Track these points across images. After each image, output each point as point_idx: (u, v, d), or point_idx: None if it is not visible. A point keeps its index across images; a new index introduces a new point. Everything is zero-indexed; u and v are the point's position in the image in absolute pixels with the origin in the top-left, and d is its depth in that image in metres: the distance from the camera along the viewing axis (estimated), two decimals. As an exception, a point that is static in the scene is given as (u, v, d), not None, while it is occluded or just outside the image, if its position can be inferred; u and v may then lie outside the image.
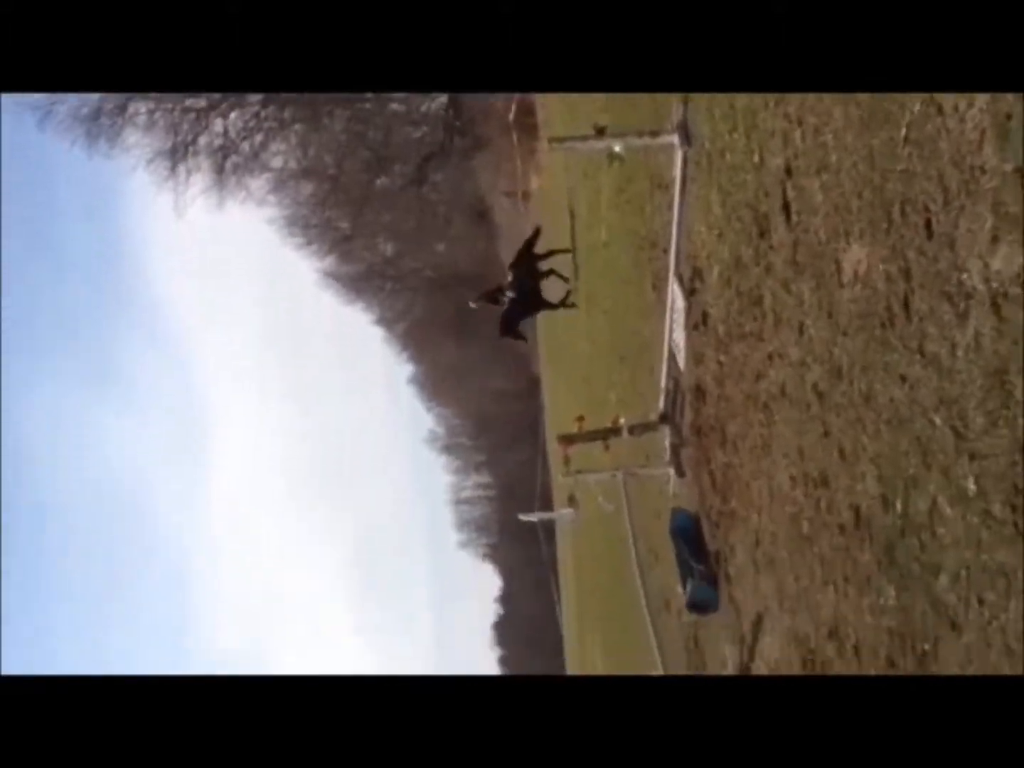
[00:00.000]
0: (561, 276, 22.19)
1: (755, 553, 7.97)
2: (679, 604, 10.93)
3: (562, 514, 16.65)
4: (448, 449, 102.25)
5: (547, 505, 34.78)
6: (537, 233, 22.71)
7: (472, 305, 22.81)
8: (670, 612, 12.16)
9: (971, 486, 4.24)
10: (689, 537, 10.15)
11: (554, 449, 20.87)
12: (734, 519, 8.69)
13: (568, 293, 22.16)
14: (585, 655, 35.38)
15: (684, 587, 10.14)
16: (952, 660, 4.50)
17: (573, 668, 48.95)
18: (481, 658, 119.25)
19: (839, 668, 6.02)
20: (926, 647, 4.77)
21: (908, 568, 4.94)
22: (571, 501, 14.35)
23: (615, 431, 12.54)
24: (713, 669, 9.79)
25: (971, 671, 4.32)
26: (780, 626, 7.37)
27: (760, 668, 8.02)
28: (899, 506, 5.02)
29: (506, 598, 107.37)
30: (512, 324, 21.50)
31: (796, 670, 6.93)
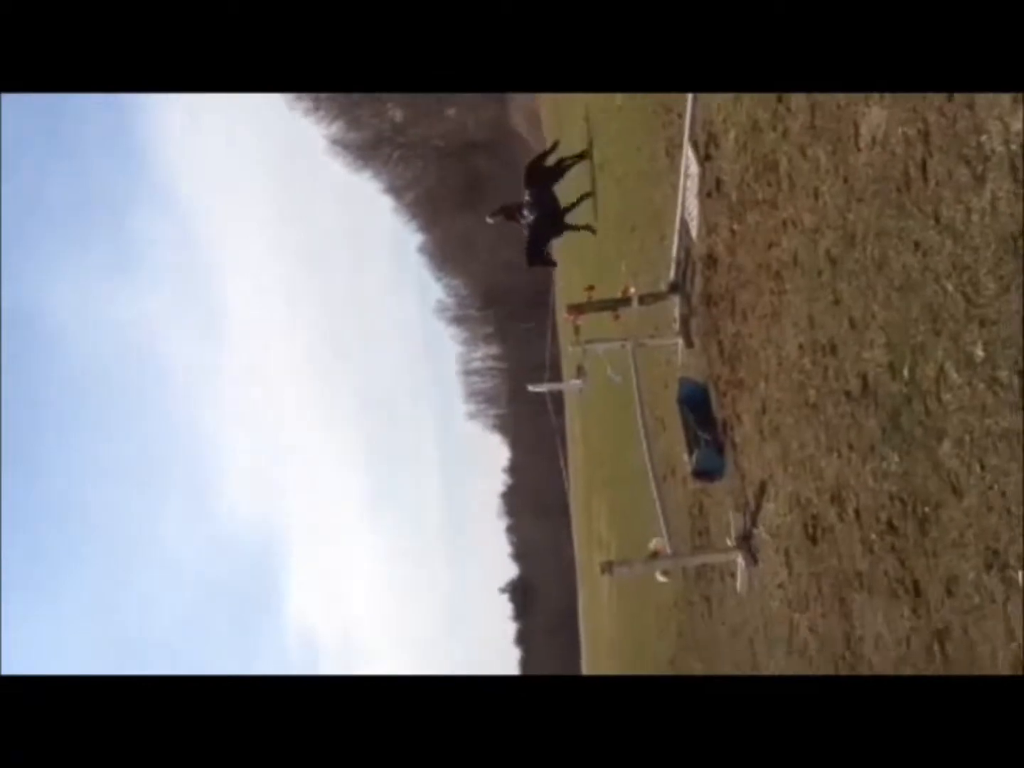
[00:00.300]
0: (577, 157, 21.15)
1: (761, 421, 8.03)
2: (684, 472, 11.07)
3: (571, 384, 16.71)
4: (457, 320, 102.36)
5: (556, 376, 34.91)
6: (553, 148, 21.60)
7: (489, 220, 21.85)
8: (675, 479, 12.31)
9: (979, 352, 4.25)
10: (696, 406, 10.21)
11: (563, 319, 20.77)
12: (741, 388, 8.73)
13: (587, 226, 21.07)
14: (592, 522, 36.06)
15: (690, 455, 10.26)
16: (952, 524, 4.58)
17: (579, 533, 49.92)
18: (488, 527, 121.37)
19: (840, 532, 6.13)
20: (927, 510, 4.85)
21: (912, 434, 4.98)
22: (579, 371, 14.41)
23: (625, 300, 12.49)
24: (716, 533, 9.98)
25: (970, 535, 4.39)
26: (783, 492, 7.48)
27: (762, 534, 8.17)
28: (906, 373, 5.03)
29: (514, 468, 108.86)
30: (539, 250, 20.46)
31: (797, 534, 7.06)
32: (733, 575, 9.08)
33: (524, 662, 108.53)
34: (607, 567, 10.79)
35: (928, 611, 4.84)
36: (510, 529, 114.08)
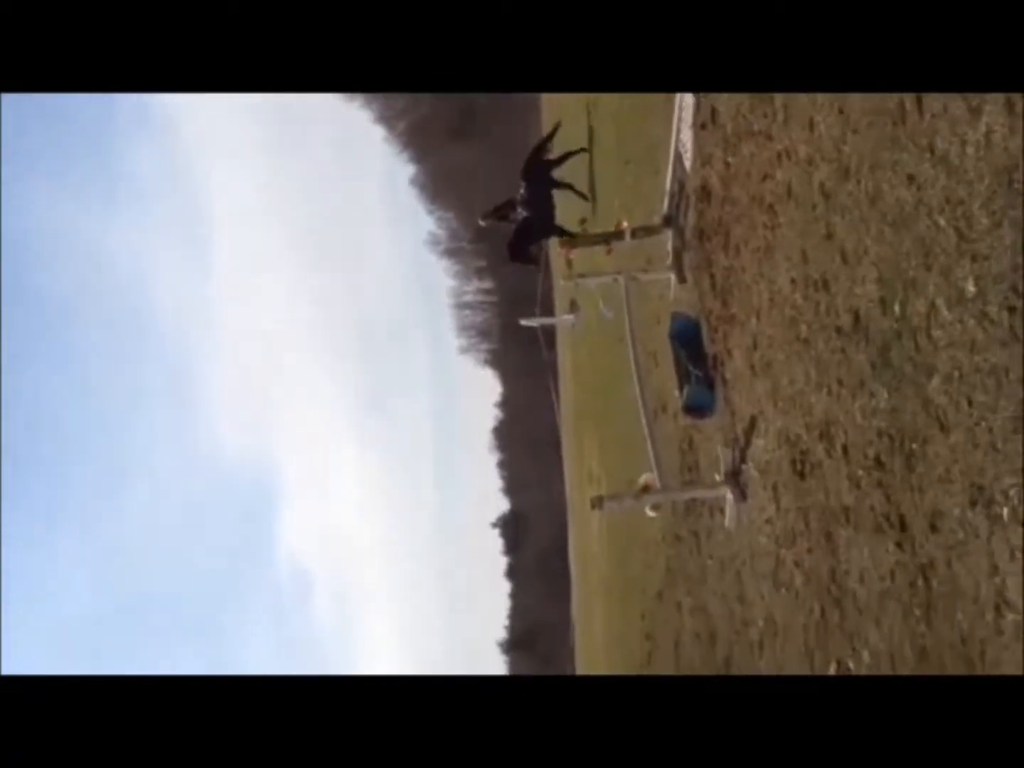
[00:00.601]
0: (580, 194, 19.82)
1: (752, 357, 8.02)
2: (675, 407, 11.08)
3: (563, 319, 16.67)
4: (449, 253, 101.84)
5: (548, 310, 34.79)
6: (553, 133, 20.35)
7: (481, 223, 20.53)
8: (666, 415, 12.33)
9: (970, 288, 4.21)
10: (688, 341, 10.18)
11: (556, 253, 20.46)
12: (733, 323, 8.70)
13: (582, 221, 19.26)
14: (583, 457, 36.23)
15: (681, 391, 10.25)
16: (938, 460, 4.58)
17: (570, 468, 50.20)
18: (480, 461, 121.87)
19: (828, 468, 6.15)
20: (914, 447, 4.85)
21: (902, 370, 4.97)
22: (572, 306, 14.36)
23: (618, 235, 12.41)
24: (705, 468, 10.02)
25: (956, 471, 4.40)
26: (772, 428, 7.48)
27: (750, 470, 8.20)
28: (897, 308, 5.00)
29: (506, 403, 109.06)
30: (523, 247, 19.19)
31: (785, 470, 7.08)
32: (722, 510, 9.13)
33: (514, 595, 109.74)
34: (597, 502, 10.83)
35: (913, 546, 4.87)
36: (501, 464, 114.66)
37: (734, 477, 8.68)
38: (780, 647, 7.20)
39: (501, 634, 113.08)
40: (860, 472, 5.59)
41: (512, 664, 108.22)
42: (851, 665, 5.69)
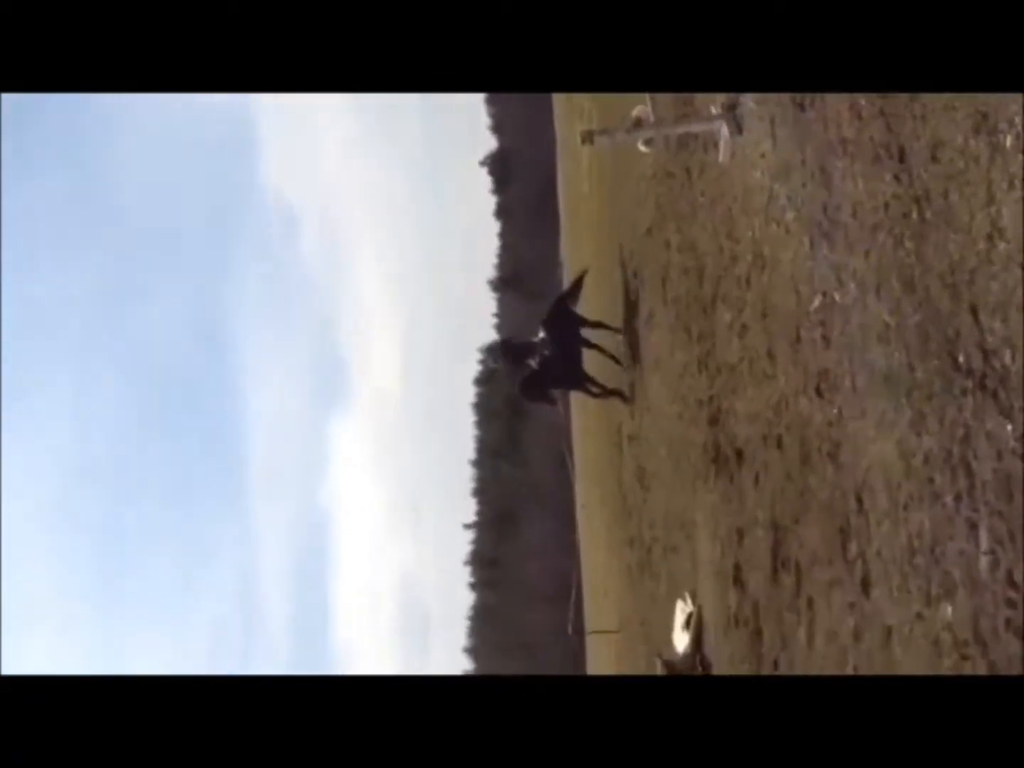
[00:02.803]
0: (611, 356, 16.74)
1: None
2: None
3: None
4: None
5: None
6: (579, 282, 17.15)
7: (492, 365, 17.57)
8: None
9: None
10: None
11: None
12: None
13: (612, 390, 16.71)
14: (571, 94, 35.30)
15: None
16: (945, 87, 4.44)
17: (559, 102, 49.02)
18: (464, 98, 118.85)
19: (830, 96, 5.97)
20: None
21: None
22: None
23: None
24: (700, 101, 9.74)
25: (961, 97, 4.27)
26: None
27: (748, 102, 7.98)
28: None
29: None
30: (541, 388, 16.69)
31: (785, 101, 6.89)
32: (716, 145, 8.98)
33: (503, 234, 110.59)
34: (588, 136, 10.68)
35: (910, 176, 4.82)
36: (487, 100, 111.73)
37: (731, 110, 8.47)
38: (767, 281, 7.33)
39: (491, 273, 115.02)
40: (863, 101, 5.43)
41: (501, 302, 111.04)
42: (836, 297, 5.80)
